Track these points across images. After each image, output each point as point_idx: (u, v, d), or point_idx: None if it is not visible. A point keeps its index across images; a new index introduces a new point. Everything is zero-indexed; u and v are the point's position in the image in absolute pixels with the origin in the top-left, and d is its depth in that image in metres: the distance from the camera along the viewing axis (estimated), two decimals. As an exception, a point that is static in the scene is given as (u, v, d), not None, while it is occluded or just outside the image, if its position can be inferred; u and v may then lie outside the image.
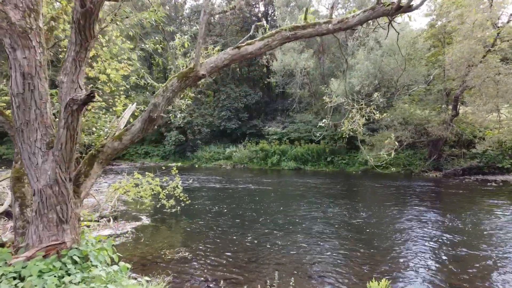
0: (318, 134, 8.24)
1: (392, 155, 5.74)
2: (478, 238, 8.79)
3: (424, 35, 23.08)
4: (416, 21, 62.46)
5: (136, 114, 6.98)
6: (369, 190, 18.56)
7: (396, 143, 5.37)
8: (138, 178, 11.07)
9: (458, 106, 21.58)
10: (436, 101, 22.71)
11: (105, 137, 4.94)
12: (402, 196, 15.82)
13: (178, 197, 11.41)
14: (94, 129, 6.12)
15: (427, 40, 21.90)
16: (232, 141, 34.87)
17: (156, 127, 4.76)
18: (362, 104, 6.99)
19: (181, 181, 11.56)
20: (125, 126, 5.41)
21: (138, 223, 10.11)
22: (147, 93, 37.37)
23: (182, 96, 9.27)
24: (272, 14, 38.16)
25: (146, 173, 11.11)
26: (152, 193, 11.08)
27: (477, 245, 8.17)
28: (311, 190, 17.57)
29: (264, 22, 36.97)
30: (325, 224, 10.38)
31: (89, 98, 3.64)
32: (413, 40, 22.43)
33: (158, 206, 11.52)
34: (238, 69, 38.20)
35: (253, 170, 28.53)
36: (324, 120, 6.76)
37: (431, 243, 8.40)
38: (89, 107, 6.12)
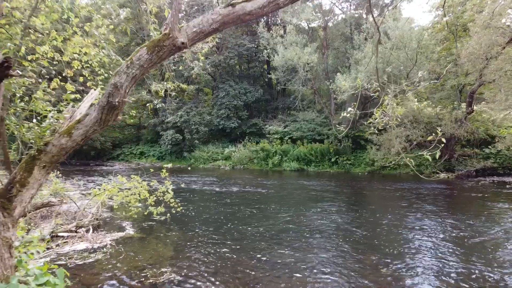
0: (341, 128, 6.81)
1: (437, 155, 4.44)
2: (500, 249, 7.54)
3: (434, 28, 21.82)
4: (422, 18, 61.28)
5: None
6: (377, 193, 17.31)
7: (443, 140, 4.00)
8: (122, 182, 9.82)
9: (473, 103, 20.32)
10: (449, 97, 21.44)
11: (51, 133, 3.67)
12: (414, 200, 14.57)
13: (168, 203, 10.17)
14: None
15: (438, 33, 20.64)
16: (231, 140, 33.66)
17: (119, 117, 3.50)
18: (396, 90, 5.69)
19: (172, 185, 10.31)
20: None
21: (120, 234, 8.84)
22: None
23: (166, 77, 8.00)
24: None
25: (132, 175, 9.85)
26: (138, 199, 9.84)
27: (499, 260, 6.91)
28: (315, 194, 16.32)
29: None
30: (331, 233, 9.13)
31: (3, 69, 2.38)
32: (423, 33, 21.18)
33: (146, 213, 10.26)
34: (237, 66, 36.97)
35: (253, 171, 27.29)
36: (350, 109, 5.48)
37: (448, 256, 7.15)
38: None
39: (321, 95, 28.41)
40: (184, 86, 8.42)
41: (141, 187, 9.95)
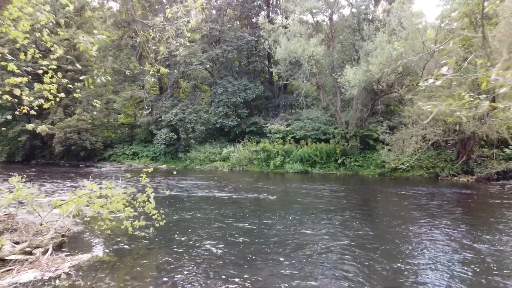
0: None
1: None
2: None
3: (453, 16, 20.06)
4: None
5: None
6: (390, 199, 15.67)
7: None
8: (92, 189, 8.12)
9: (496, 98, 18.58)
10: (470, 91, 19.68)
11: None
12: (431, 207, 12.96)
13: (149, 214, 8.48)
14: None
15: (458, 20, 18.91)
16: (229, 140, 31.96)
17: None
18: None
19: (163, 190, 8.59)
20: None
21: (85, 257, 7.13)
22: (135, 86, 34.47)
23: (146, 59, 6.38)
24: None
25: (104, 182, 8.14)
26: (111, 211, 8.13)
27: None
28: (321, 201, 14.65)
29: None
30: (342, 250, 7.46)
31: None
32: (441, 21, 19.47)
33: (123, 227, 8.56)
34: (237, 61, 35.30)
35: (253, 173, 25.59)
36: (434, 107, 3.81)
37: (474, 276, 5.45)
38: None
39: (327, 91, 26.68)
40: (163, 69, 6.68)
41: (114, 196, 8.24)
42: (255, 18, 32.69)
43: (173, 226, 9.91)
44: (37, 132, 25.49)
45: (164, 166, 30.71)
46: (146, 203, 8.37)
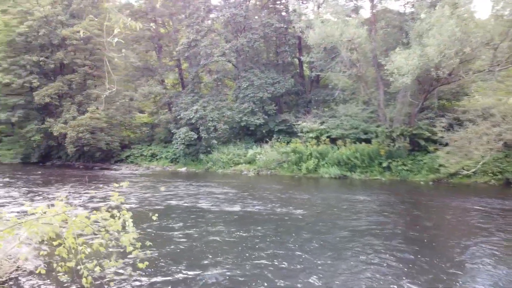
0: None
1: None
2: None
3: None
4: None
5: None
6: (455, 216, 12.64)
7: None
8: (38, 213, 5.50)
9: None
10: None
11: None
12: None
13: (134, 246, 5.78)
14: None
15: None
16: (256, 140, 29.27)
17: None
18: None
19: (132, 219, 5.85)
20: None
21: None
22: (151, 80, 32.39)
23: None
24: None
25: (56, 200, 5.49)
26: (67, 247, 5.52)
27: None
28: (364, 216, 11.89)
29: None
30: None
31: None
32: None
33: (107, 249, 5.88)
34: (264, 51, 32.52)
35: (283, 178, 22.77)
36: None
37: None
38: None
39: (369, 82, 23.37)
40: (133, 23, 3.83)
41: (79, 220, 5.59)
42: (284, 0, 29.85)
43: (170, 258, 7.24)
44: (51, 132, 23.55)
45: (183, 169, 28.47)
46: (122, 233, 5.67)
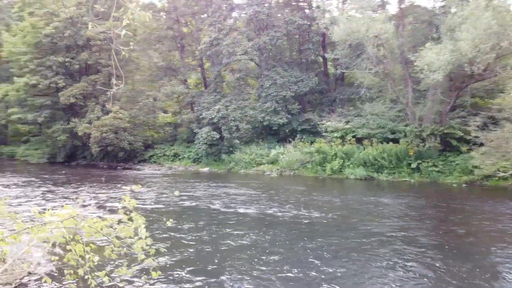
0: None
1: None
2: None
3: None
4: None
5: None
6: (486, 219, 11.85)
7: None
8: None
9: None
10: None
11: None
12: None
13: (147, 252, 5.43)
14: None
15: None
16: (279, 140, 28.76)
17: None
18: None
19: (145, 224, 5.50)
20: None
21: None
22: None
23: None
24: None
25: (66, 204, 5.22)
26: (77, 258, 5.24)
27: None
28: (392, 222, 11.29)
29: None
30: None
31: None
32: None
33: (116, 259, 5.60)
34: (287, 49, 31.98)
35: (307, 180, 22.19)
36: None
37: None
38: None
39: (395, 80, 22.48)
40: (142, 13, 3.43)
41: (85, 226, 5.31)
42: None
43: (183, 265, 6.89)
44: (76, 132, 23.73)
45: (206, 169, 28.31)
46: (135, 239, 5.33)
